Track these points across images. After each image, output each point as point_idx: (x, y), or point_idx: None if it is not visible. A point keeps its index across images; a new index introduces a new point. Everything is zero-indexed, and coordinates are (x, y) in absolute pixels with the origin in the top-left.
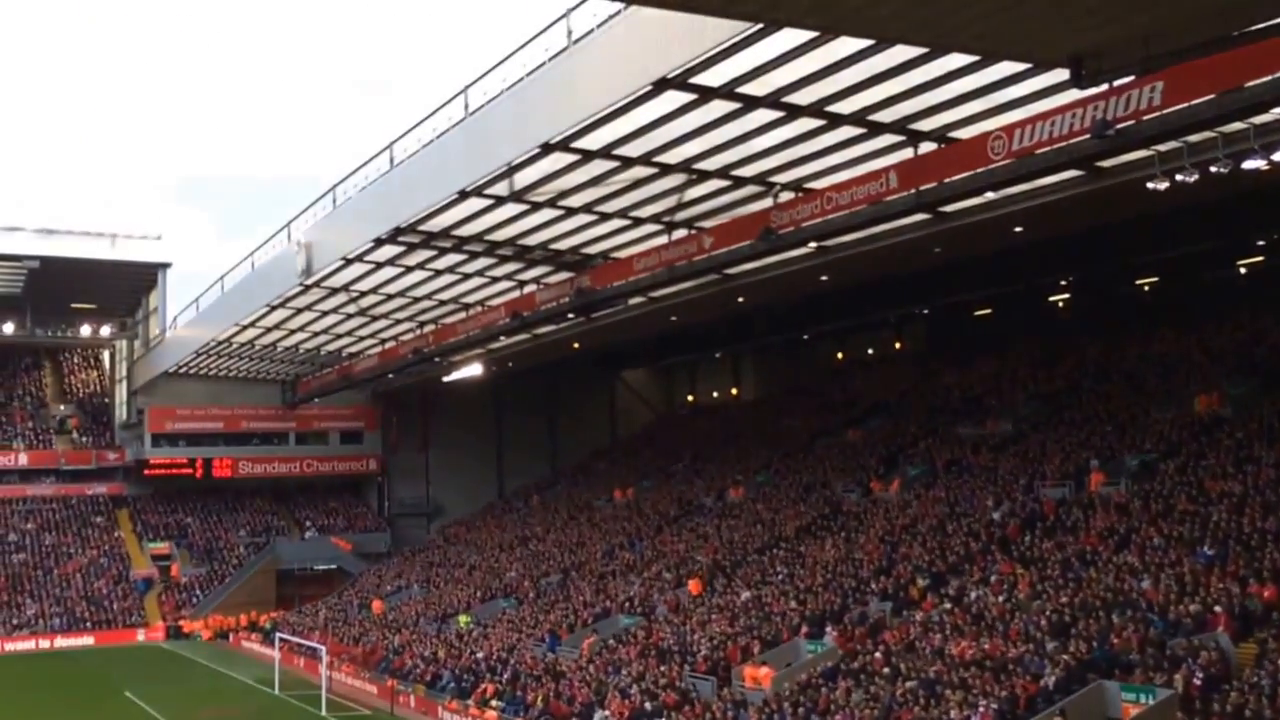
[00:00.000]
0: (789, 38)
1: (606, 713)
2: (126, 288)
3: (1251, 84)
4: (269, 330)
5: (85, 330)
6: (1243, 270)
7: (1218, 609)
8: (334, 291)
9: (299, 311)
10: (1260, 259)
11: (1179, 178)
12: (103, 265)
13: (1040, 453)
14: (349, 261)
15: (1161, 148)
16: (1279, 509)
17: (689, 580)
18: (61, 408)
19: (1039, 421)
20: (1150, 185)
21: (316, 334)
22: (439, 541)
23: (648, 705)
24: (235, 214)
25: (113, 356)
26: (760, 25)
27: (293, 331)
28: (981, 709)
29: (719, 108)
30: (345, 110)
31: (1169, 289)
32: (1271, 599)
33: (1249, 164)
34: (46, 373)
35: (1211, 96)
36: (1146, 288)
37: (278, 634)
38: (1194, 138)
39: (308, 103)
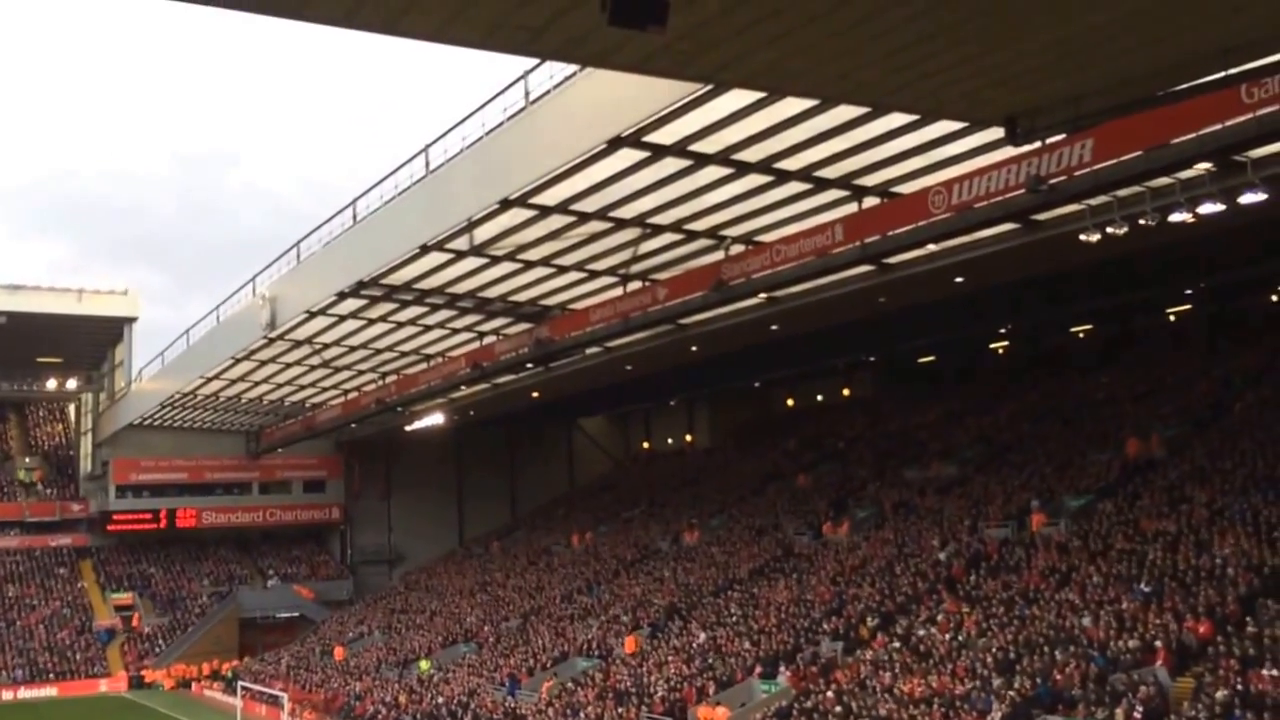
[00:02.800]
0: (738, 98)
1: None
2: (92, 342)
3: (1176, 141)
4: (233, 382)
5: (51, 384)
6: (1171, 318)
7: (1156, 644)
8: (298, 344)
9: (263, 363)
10: (1187, 307)
11: (1110, 230)
12: (69, 320)
13: (983, 494)
14: (312, 314)
15: (1093, 202)
16: (1211, 547)
17: (625, 638)
18: (27, 460)
19: (982, 464)
20: (1083, 237)
21: (280, 385)
22: (400, 588)
23: None
24: (193, 274)
25: (78, 409)
26: (710, 86)
27: (257, 383)
28: None
29: (671, 164)
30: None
31: (1103, 336)
32: (1207, 634)
33: (1175, 217)
34: (12, 425)
35: (1139, 153)
36: (1081, 335)
37: (240, 682)
38: (1123, 192)
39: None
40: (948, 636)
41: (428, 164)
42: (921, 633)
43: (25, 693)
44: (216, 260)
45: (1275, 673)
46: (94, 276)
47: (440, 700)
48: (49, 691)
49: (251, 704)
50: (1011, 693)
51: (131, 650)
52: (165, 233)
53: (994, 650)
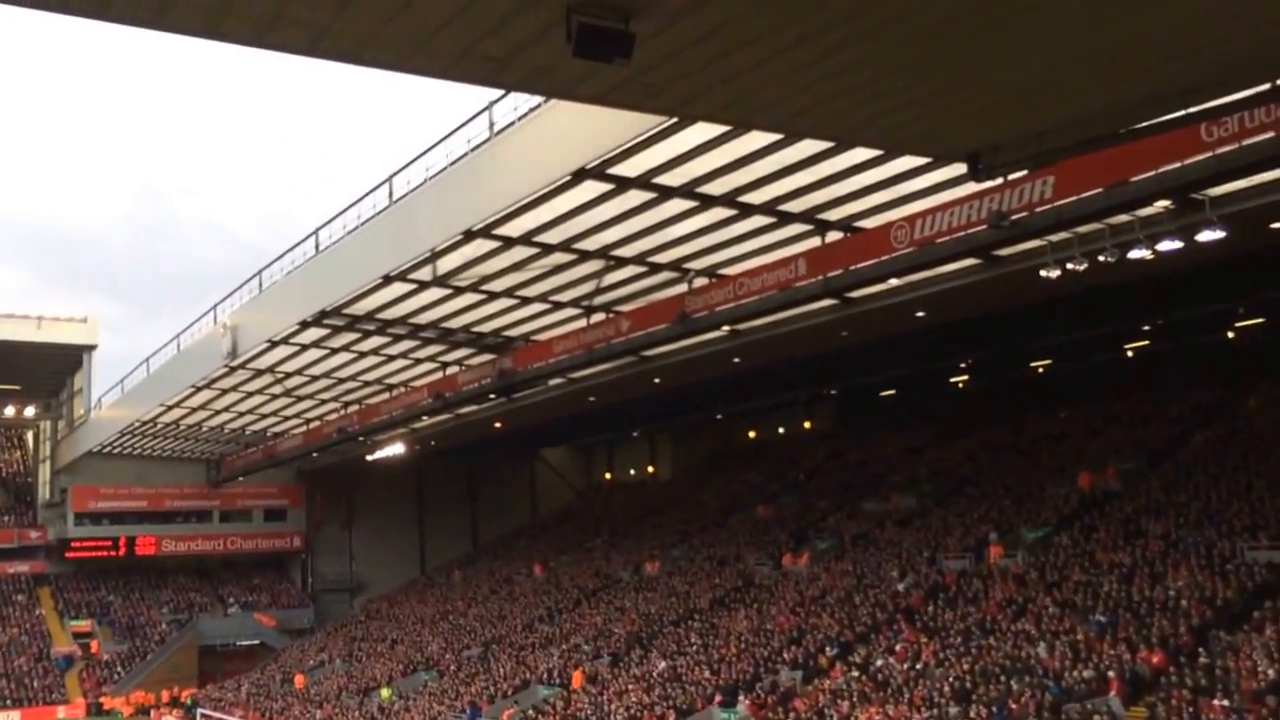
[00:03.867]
0: (703, 131)
1: None
2: (51, 369)
3: (1136, 179)
4: (194, 410)
5: (9, 411)
6: (1130, 354)
7: (1110, 674)
8: (259, 373)
9: (224, 392)
10: (1146, 343)
11: (1070, 266)
12: (28, 347)
13: (942, 526)
14: (274, 344)
15: (1053, 238)
16: (1165, 579)
17: (573, 672)
18: None
19: (941, 497)
20: (1043, 273)
21: (241, 414)
22: (361, 617)
23: None
24: (149, 304)
25: (36, 436)
26: (675, 119)
27: (218, 411)
28: None
29: (636, 197)
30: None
31: (1062, 371)
32: (1160, 664)
33: (1134, 254)
34: None
35: (1099, 190)
36: (1041, 370)
37: (199, 710)
38: (1083, 229)
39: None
40: (905, 666)
41: (391, 194)
42: (880, 662)
43: None
44: (172, 291)
45: (1226, 703)
46: (50, 304)
47: None
48: (13, 717)
49: None
50: None
51: (90, 677)
52: (121, 263)
53: (951, 679)
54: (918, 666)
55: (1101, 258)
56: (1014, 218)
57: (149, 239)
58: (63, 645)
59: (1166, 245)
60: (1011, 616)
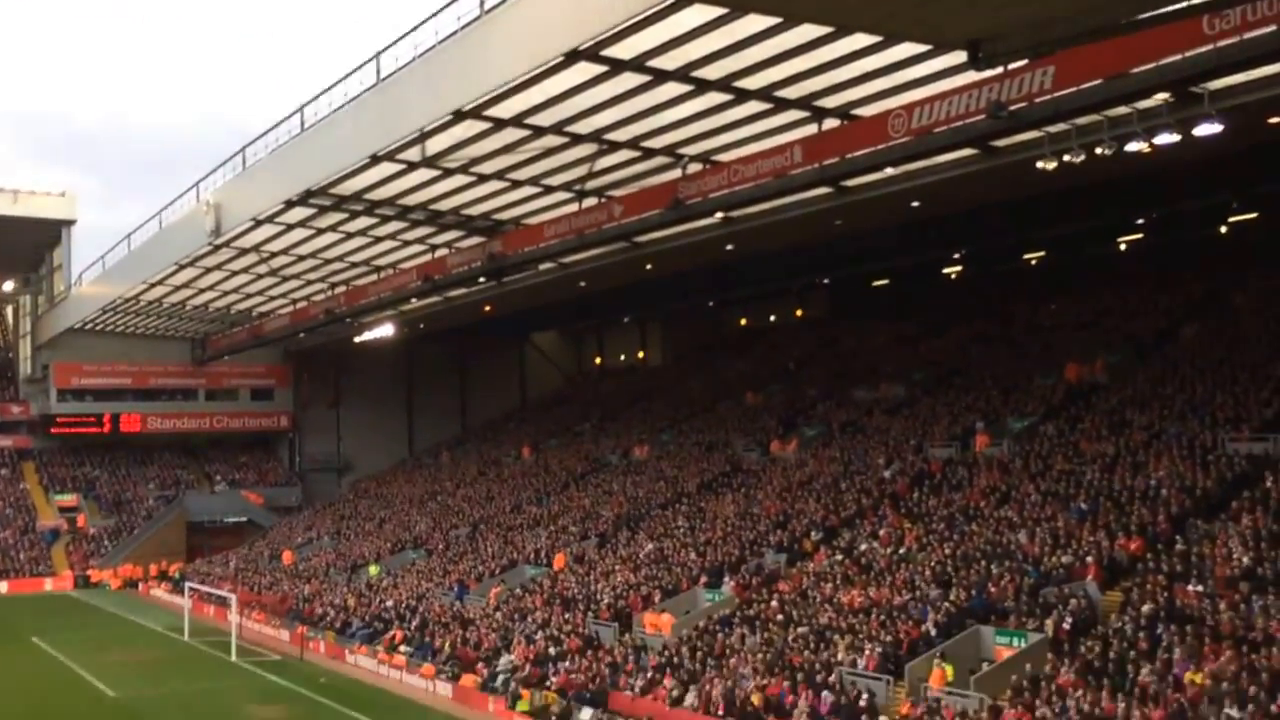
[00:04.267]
0: (698, 13)
1: (511, 657)
2: (30, 243)
3: (1136, 70)
4: (177, 289)
5: None
6: (1123, 247)
7: (1088, 560)
8: (244, 252)
9: (208, 271)
10: (1139, 236)
11: (1067, 158)
12: (5, 221)
13: (930, 415)
14: (259, 223)
15: (1051, 129)
16: (1147, 469)
17: (555, 554)
18: None
19: (930, 386)
20: (1040, 165)
21: (226, 293)
22: (350, 496)
23: (551, 650)
24: (124, 178)
25: (16, 311)
26: (671, 0)
27: (202, 290)
28: (867, 652)
29: (630, 80)
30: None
31: (1055, 263)
32: (1137, 551)
33: (1132, 146)
34: None
35: (1099, 81)
36: (1034, 262)
37: (187, 583)
38: (1082, 120)
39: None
40: (889, 550)
41: (379, 72)
42: (864, 546)
43: None
44: (149, 167)
45: (1199, 588)
46: (23, 176)
47: (389, 604)
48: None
49: (200, 604)
50: (947, 604)
51: (77, 551)
52: (94, 135)
53: (933, 563)
54: (901, 551)
55: (1099, 150)
56: (1012, 108)
57: (123, 110)
58: (48, 519)
59: (1164, 138)
60: (994, 504)
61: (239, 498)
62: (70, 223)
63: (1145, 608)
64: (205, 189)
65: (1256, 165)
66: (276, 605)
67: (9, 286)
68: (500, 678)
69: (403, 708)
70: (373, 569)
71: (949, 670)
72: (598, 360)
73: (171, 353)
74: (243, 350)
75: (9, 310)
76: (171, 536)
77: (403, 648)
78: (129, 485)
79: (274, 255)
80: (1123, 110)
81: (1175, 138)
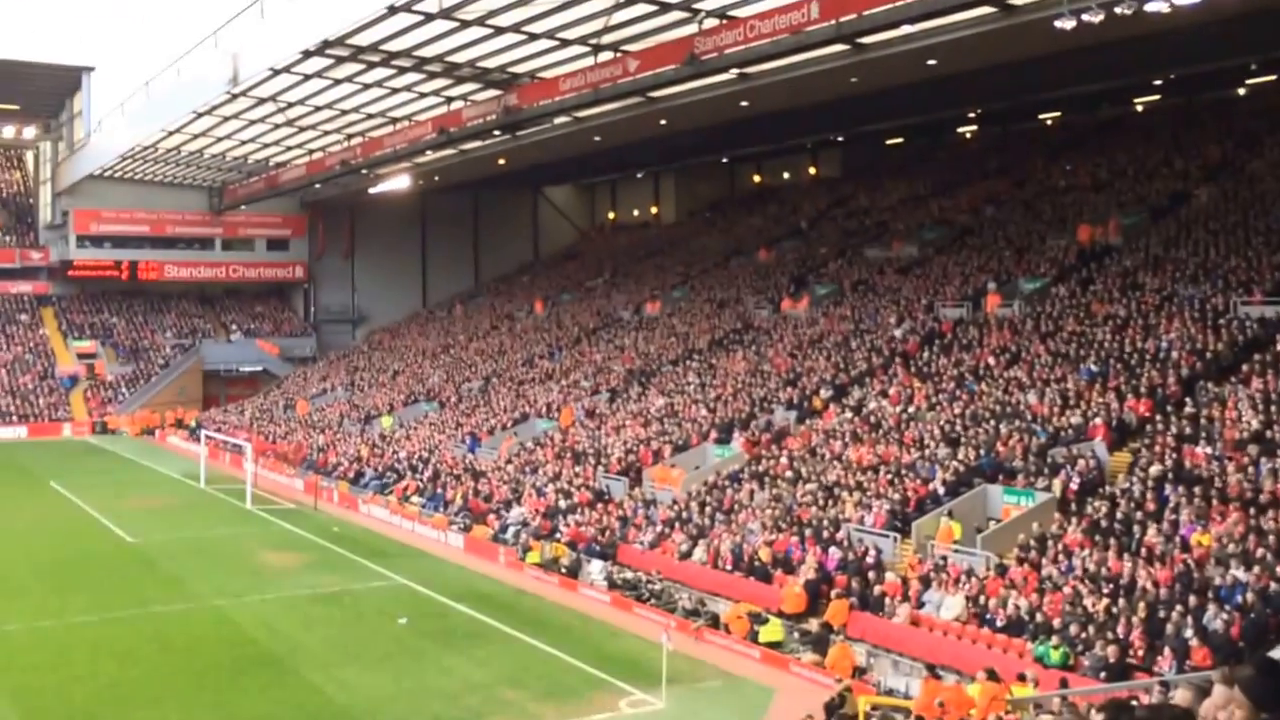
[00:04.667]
0: None
1: (522, 509)
2: (50, 89)
3: None
4: (195, 137)
5: (8, 131)
6: (1139, 108)
7: (1097, 421)
8: (261, 101)
9: (226, 119)
10: (1156, 97)
11: (1085, 17)
12: (25, 66)
13: (942, 275)
14: (276, 72)
15: None
16: (1158, 331)
17: (561, 410)
18: None
19: (942, 246)
20: (1058, 24)
21: (244, 142)
22: (364, 348)
23: (562, 503)
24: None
25: (36, 158)
26: None
27: (220, 139)
28: (875, 509)
29: None
30: None
31: (1069, 123)
32: (1146, 413)
33: (1151, 6)
34: None
35: None
36: (1049, 122)
37: (203, 431)
38: None
39: None
40: (898, 409)
41: None
42: (873, 405)
43: (1, 431)
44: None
45: (1208, 450)
46: (43, 21)
47: (402, 455)
48: (19, 431)
49: (215, 452)
50: (955, 463)
51: (95, 397)
52: None
53: (941, 422)
54: (910, 410)
55: (1119, 9)
56: None
57: None
58: (67, 365)
59: None
60: (1004, 364)
61: (254, 347)
62: (89, 69)
63: (1153, 469)
64: (223, 37)
65: (1277, 27)
66: (291, 454)
67: (30, 133)
68: (511, 529)
69: (415, 557)
70: (386, 420)
71: (956, 528)
72: (611, 215)
73: (189, 201)
74: (259, 200)
75: (30, 157)
76: (188, 384)
77: (415, 498)
78: (146, 333)
79: (291, 105)
80: None
81: None
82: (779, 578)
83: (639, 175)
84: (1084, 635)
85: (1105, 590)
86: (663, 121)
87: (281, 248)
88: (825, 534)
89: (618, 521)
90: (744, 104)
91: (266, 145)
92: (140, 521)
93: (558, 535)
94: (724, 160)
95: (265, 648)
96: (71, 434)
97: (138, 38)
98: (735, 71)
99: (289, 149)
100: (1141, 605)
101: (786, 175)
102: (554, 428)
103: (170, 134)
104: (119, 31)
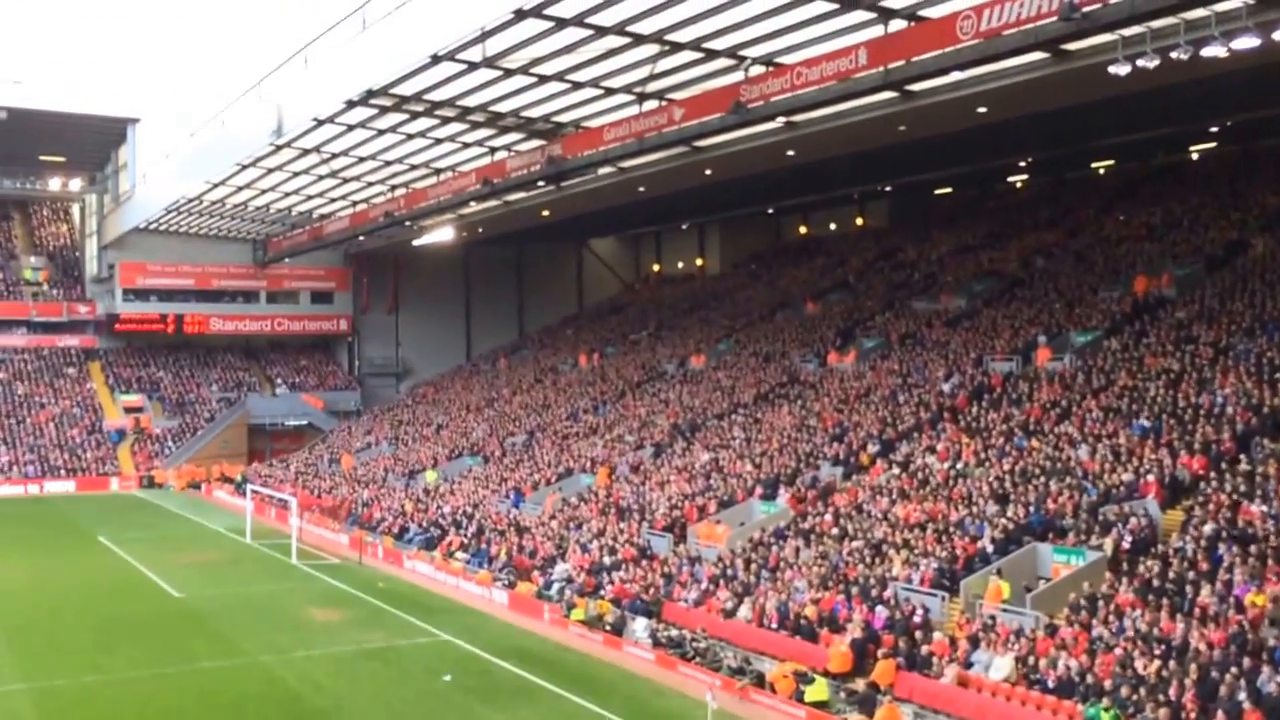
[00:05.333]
0: None
1: (567, 565)
2: (95, 141)
3: None
4: (240, 189)
5: (55, 183)
6: (1195, 156)
7: (1149, 478)
8: (305, 152)
9: (270, 171)
10: (1213, 145)
11: (1140, 63)
12: (71, 118)
13: (991, 328)
14: (320, 122)
15: (1125, 32)
16: (1212, 385)
17: (598, 469)
18: (32, 260)
19: (991, 298)
20: (1112, 70)
21: (288, 194)
22: (408, 401)
23: (606, 559)
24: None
25: (83, 210)
26: None
27: (264, 191)
28: (923, 567)
29: None
30: None
31: (1123, 173)
32: (1200, 470)
33: (1208, 51)
34: (16, 224)
35: None
36: (1102, 171)
37: (249, 485)
38: (1157, 23)
39: None
40: (946, 465)
41: None
42: (921, 460)
43: (51, 485)
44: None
45: (1264, 508)
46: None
47: (446, 509)
48: (68, 485)
49: (261, 506)
50: (1004, 520)
51: (142, 451)
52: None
53: (990, 479)
54: (958, 466)
55: (1174, 54)
56: (1085, 10)
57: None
58: (115, 418)
59: (1242, 42)
60: (1055, 419)
61: (299, 401)
62: (135, 121)
63: (1207, 527)
64: (266, 88)
65: None
66: (336, 509)
67: (76, 185)
68: (555, 586)
69: (460, 613)
70: (430, 475)
71: (1005, 588)
72: (656, 267)
73: (233, 254)
74: (303, 252)
75: (76, 209)
76: (234, 438)
77: (459, 554)
78: (192, 386)
79: (335, 156)
80: (1200, 13)
81: (1255, 42)
82: (825, 636)
83: (684, 227)
84: (1135, 697)
85: (1157, 651)
86: (708, 171)
87: (326, 300)
88: (872, 592)
89: (662, 579)
90: (790, 153)
91: (310, 197)
92: (187, 576)
93: (602, 592)
94: (769, 211)
95: (311, 704)
96: (119, 488)
97: (182, 89)
98: (782, 120)
99: (332, 200)
100: (1194, 667)
101: (833, 226)
102: (595, 483)
103: (214, 186)
104: (163, 83)
